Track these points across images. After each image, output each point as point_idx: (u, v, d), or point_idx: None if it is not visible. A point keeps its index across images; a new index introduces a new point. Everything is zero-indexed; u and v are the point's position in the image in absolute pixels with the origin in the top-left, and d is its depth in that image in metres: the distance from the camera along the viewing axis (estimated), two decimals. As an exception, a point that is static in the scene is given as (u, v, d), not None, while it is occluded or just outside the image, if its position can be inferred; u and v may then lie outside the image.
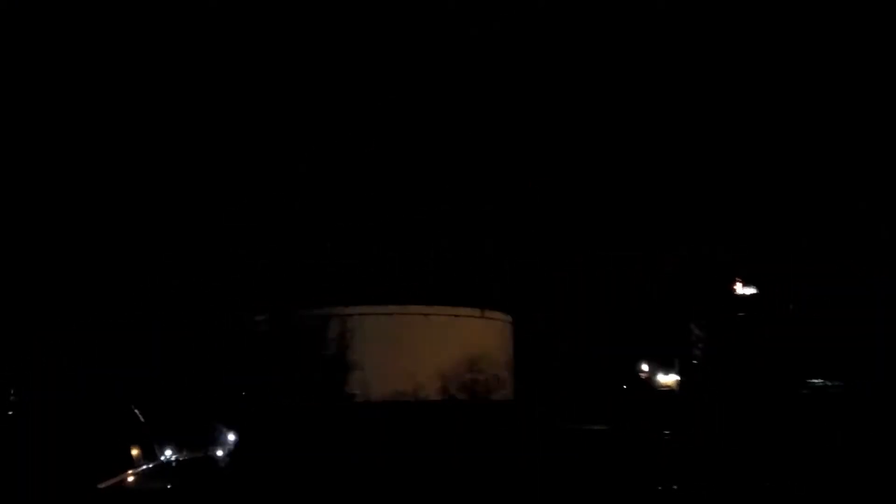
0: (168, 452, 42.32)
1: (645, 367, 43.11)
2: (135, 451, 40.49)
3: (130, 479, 39.26)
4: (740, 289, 39.81)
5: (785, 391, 35.34)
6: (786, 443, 33.44)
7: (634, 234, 45.01)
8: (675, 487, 35.95)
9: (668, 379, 41.02)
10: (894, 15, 38.98)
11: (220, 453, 43.05)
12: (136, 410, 43.89)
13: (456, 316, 48.95)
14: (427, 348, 47.60)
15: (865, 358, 34.84)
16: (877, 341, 34.79)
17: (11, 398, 44.80)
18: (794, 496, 31.63)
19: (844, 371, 35.30)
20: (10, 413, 42.82)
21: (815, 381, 35.11)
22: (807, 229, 39.68)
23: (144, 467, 40.11)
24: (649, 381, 42.33)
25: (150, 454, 41.12)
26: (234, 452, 42.22)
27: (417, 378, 45.83)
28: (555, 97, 48.07)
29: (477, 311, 48.72)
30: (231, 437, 45.01)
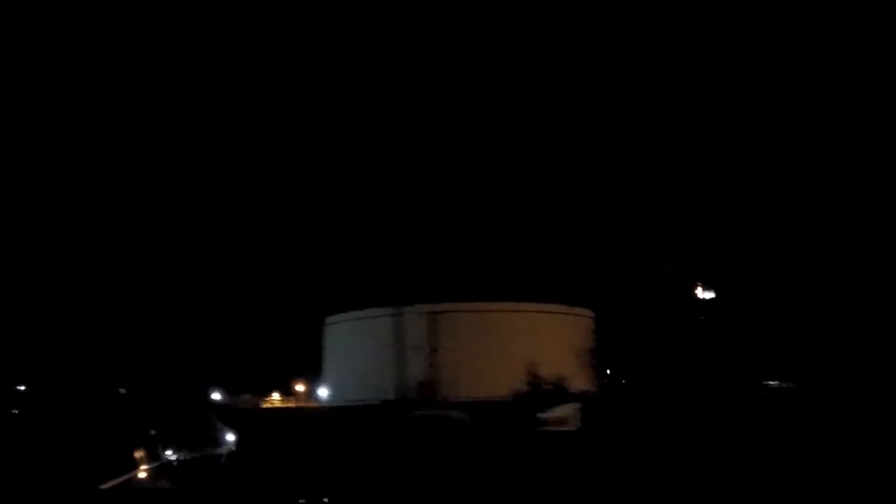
0: (169, 453, 42.28)
1: (607, 371, 43.92)
2: (138, 454, 40.51)
3: (133, 479, 39.36)
4: (700, 293, 40.76)
5: (741, 392, 36.32)
6: (743, 440, 34.55)
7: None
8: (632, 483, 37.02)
9: (624, 381, 41.81)
10: (891, 15, 39.81)
11: (220, 452, 43.02)
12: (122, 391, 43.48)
13: (544, 312, 48.77)
14: (516, 344, 47.15)
15: (820, 359, 36.01)
16: (831, 343, 35.99)
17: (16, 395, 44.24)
18: (753, 492, 32.94)
19: (798, 372, 36.40)
20: (16, 412, 42.41)
21: (771, 382, 36.21)
22: (765, 235, 40.88)
23: (148, 467, 40.18)
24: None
25: (153, 455, 41.27)
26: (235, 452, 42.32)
27: (507, 373, 44.88)
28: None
29: (564, 307, 48.58)
30: (230, 437, 44.95)
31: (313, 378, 54.52)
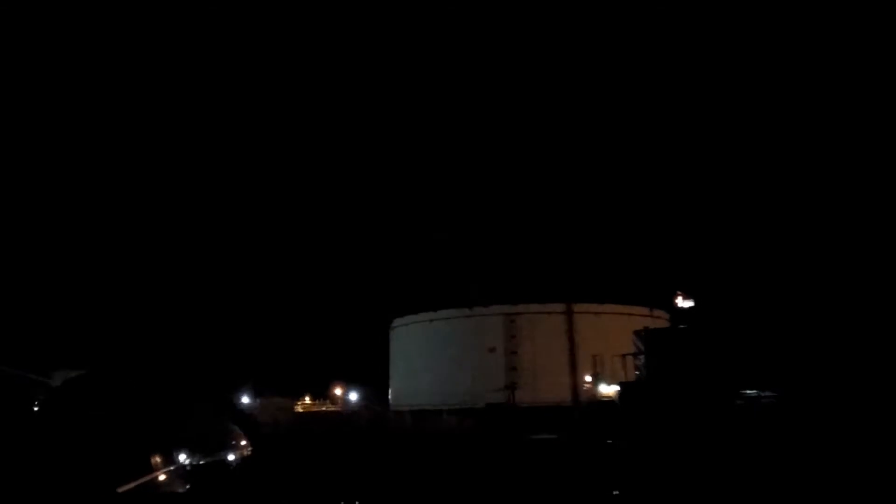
0: (183, 457, 43.04)
1: (588, 378, 43.82)
2: (156, 459, 41.35)
3: (151, 482, 40.15)
4: (680, 301, 40.63)
5: (720, 401, 36.16)
6: (721, 450, 34.36)
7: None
8: (615, 493, 36.90)
9: (609, 390, 41.78)
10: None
11: (231, 457, 43.89)
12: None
13: (627, 314, 47.89)
14: (598, 346, 45.89)
15: (799, 369, 35.81)
16: (810, 353, 35.80)
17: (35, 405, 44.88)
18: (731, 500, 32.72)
19: (778, 381, 36.21)
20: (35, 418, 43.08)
21: (749, 391, 35.99)
22: (742, 244, 40.75)
23: (163, 471, 41.05)
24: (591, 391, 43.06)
25: (168, 459, 42.16)
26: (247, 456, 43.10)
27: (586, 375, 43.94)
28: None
29: (646, 310, 47.83)
30: (243, 442, 45.56)
31: (348, 382, 53.91)
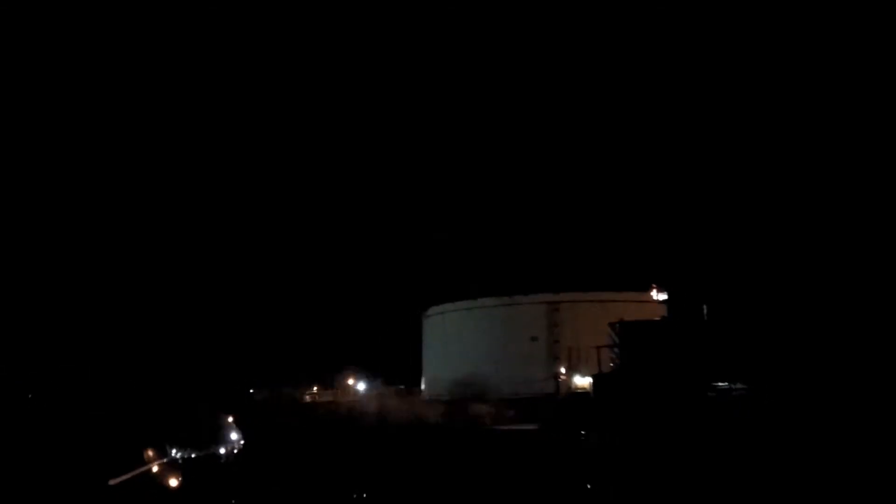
0: (175, 451, 43.30)
1: (562, 369, 44.10)
2: (148, 453, 41.60)
3: (144, 474, 40.52)
4: (655, 294, 40.87)
5: (692, 393, 36.46)
6: (692, 441, 34.73)
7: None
8: (588, 486, 37.28)
9: (584, 381, 42.07)
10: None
11: (222, 451, 44.19)
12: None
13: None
14: None
15: (768, 362, 36.13)
16: (779, 347, 36.11)
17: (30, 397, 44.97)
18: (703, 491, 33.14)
19: (749, 374, 36.52)
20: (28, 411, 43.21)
21: (721, 384, 36.30)
22: (717, 236, 40.94)
23: (154, 464, 41.43)
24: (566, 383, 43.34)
25: (162, 453, 42.49)
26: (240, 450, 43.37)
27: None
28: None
29: None
30: (234, 436, 45.78)
31: (358, 371, 53.19)
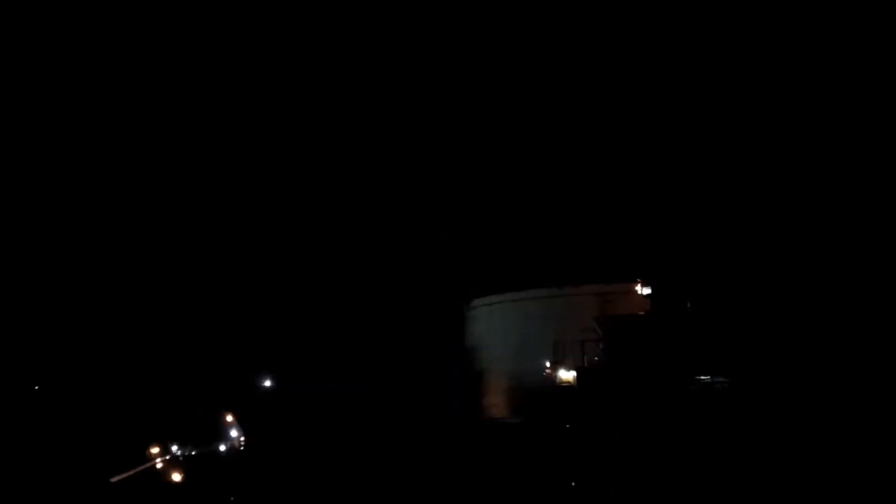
0: (175, 448, 43.34)
1: (547, 363, 44.23)
2: (152, 449, 41.60)
3: (147, 470, 40.54)
4: (639, 288, 41.06)
5: (674, 387, 36.69)
6: (675, 436, 34.94)
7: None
8: (573, 484, 37.40)
9: (568, 375, 42.21)
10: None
11: (222, 448, 44.23)
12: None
13: None
14: None
15: (751, 356, 36.39)
16: (761, 340, 36.38)
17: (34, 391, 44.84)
18: (687, 488, 33.33)
19: (731, 368, 36.77)
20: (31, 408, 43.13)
21: (703, 377, 36.52)
22: (701, 229, 41.14)
23: (155, 461, 41.39)
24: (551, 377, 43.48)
25: (165, 450, 42.47)
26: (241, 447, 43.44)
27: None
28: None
29: None
30: (235, 433, 45.75)
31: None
